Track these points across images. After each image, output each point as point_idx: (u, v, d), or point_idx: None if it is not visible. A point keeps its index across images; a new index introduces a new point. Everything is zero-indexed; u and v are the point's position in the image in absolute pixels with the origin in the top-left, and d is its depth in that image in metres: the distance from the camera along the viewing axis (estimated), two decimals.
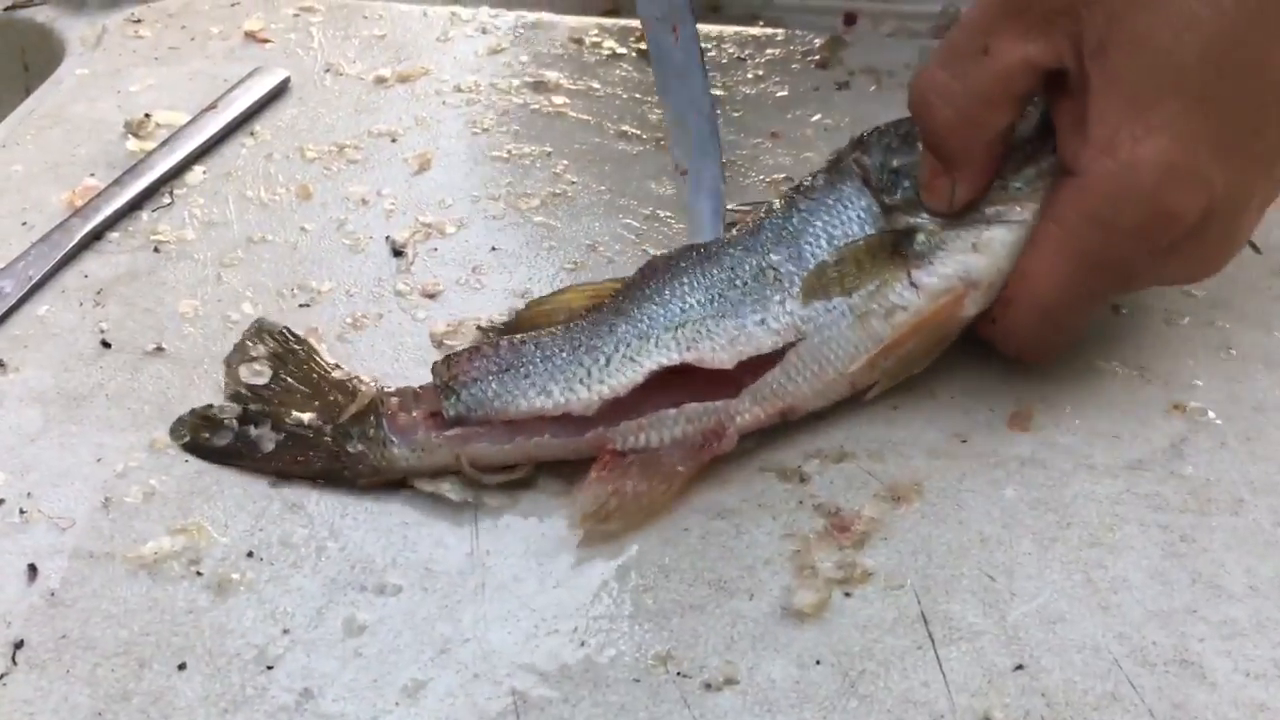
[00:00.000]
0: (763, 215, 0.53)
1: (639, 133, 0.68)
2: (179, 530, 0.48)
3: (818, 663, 0.43)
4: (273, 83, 0.71)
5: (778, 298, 0.50)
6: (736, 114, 0.69)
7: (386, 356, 0.55)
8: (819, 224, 0.51)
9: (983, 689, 0.42)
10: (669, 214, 0.62)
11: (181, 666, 0.43)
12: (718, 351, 0.49)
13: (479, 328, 0.55)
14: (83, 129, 0.69)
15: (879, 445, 0.50)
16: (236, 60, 0.74)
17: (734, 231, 0.53)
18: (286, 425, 0.51)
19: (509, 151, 0.67)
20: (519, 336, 0.51)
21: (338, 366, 0.53)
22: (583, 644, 0.44)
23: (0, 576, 0.46)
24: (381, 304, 0.58)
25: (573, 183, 0.65)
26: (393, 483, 0.49)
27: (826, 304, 0.50)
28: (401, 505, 0.49)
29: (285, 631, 0.44)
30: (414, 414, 0.50)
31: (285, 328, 0.55)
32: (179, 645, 0.44)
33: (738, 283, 0.51)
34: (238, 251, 0.61)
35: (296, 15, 0.79)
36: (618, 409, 0.49)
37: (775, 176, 0.65)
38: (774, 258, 0.51)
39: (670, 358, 0.49)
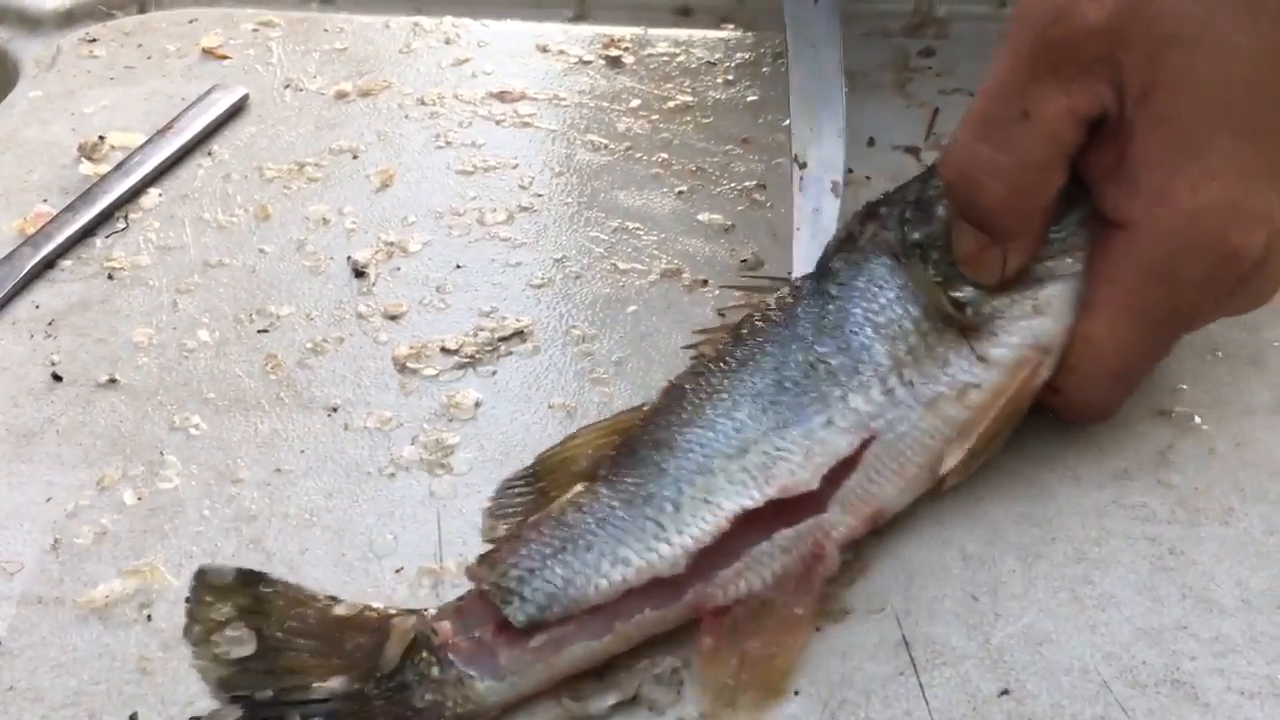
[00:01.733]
0: (772, 310, 0.49)
1: (606, 142, 0.66)
2: (131, 572, 0.46)
3: (796, 693, 0.41)
4: (230, 101, 0.70)
5: (837, 393, 0.45)
6: (707, 120, 0.68)
7: (348, 382, 0.53)
8: (859, 311, 0.47)
9: (967, 716, 0.41)
10: (637, 225, 0.61)
11: (133, 717, 0.41)
12: (797, 472, 0.44)
13: (488, 511, 0.47)
14: (36, 153, 0.67)
15: None
16: (194, 78, 0.72)
17: (742, 331, 0.49)
18: (316, 707, 0.40)
19: (473, 165, 0.65)
20: (553, 508, 0.44)
21: (333, 598, 0.43)
22: None
23: None
24: (342, 327, 0.56)
25: (539, 195, 0.63)
26: None
27: (891, 397, 0.46)
28: None
29: None
30: (476, 634, 0.41)
31: (237, 569, 0.44)
32: (129, 695, 0.42)
33: (788, 384, 0.46)
34: (194, 277, 0.59)
35: (255, 30, 0.77)
36: (705, 557, 0.42)
37: (747, 184, 0.63)
38: (821, 350, 0.46)
39: (751, 496, 0.43)
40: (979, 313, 0.46)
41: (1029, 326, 0.46)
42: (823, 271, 0.49)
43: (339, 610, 0.42)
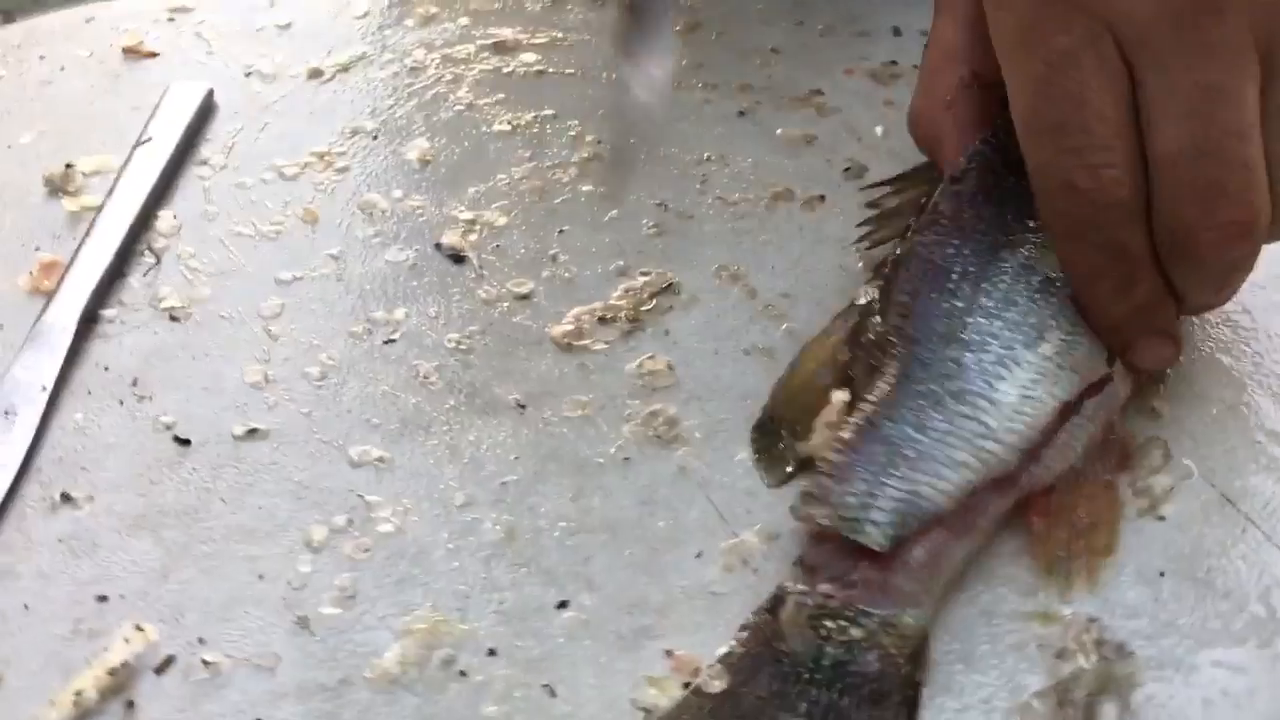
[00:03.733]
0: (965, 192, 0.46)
1: None
2: (409, 631, 0.40)
3: (1161, 574, 0.41)
4: (196, 99, 0.61)
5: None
6: (724, 34, 0.65)
7: (516, 374, 0.48)
8: None
9: None
10: (718, 155, 0.57)
11: None
12: (1093, 357, 0.43)
13: (758, 462, 0.45)
14: None
15: None
16: (132, 83, 0.63)
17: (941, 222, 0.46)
18: None
19: (511, 124, 0.60)
20: (845, 429, 0.42)
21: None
22: None
23: None
24: (475, 318, 0.50)
25: (597, 143, 0.59)
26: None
27: None
28: None
29: None
30: (854, 576, 0.39)
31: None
32: None
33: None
34: (271, 299, 0.52)
35: (171, 20, 0.68)
36: (1033, 449, 0.42)
37: (802, 90, 0.61)
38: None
39: (1064, 388, 0.42)
40: None
41: None
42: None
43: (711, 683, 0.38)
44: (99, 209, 0.55)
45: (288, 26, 0.67)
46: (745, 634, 0.39)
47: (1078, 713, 0.37)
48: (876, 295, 0.46)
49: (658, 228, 0.54)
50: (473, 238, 0.54)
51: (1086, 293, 0.43)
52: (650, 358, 0.49)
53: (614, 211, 0.55)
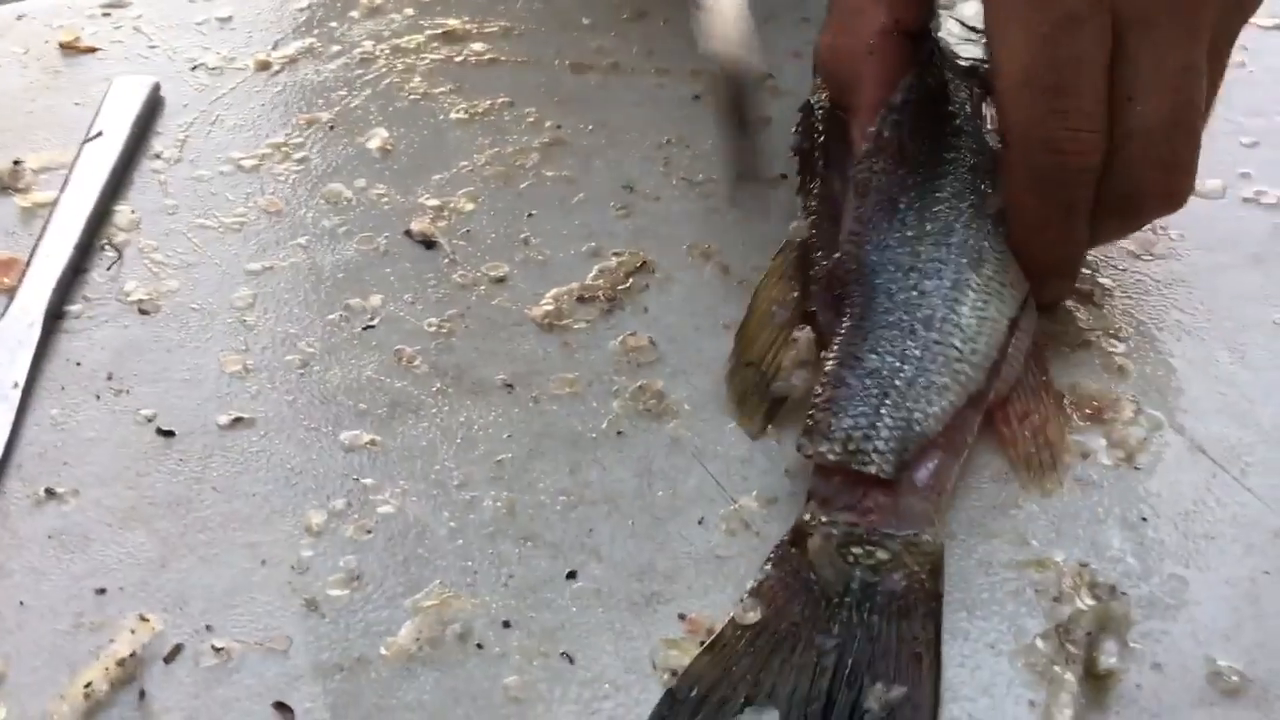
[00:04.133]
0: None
1: (587, 63, 0.63)
2: (422, 608, 0.40)
3: (1144, 519, 0.43)
4: (142, 94, 0.60)
5: (986, 184, 0.47)
6: (665, 23, 0.66)
7: (501, 355, 0.48)
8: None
9: None
10: (676, 138, 0.58)
11: None
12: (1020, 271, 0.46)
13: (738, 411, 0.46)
14: None
15: None
16: (70, 79, 0.62)
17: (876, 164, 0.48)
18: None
19: (469, 112, 0.60)
20: (827, 364, 0.44)
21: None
22: None
23: None
24: (454, 301, 0.51)
25: (559, 128, 0.59)
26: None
27: None
28: None
29: None
30: (868, 504, 0.41)
31: None
32: None
33: (965, 191, 0.47)
34: (242, 289, 0.51)
35: (107, 14, 0.66)
36: (997, 366, 0.44)
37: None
38: (958, 153, 0.47)
39: (1011, 306, 0.45)
40: None
41: None
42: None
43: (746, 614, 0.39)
44: (53, 205, 0.54)
45: (229, 19, 0.66)
46: (772, 568, 0.40)
47: (1080, 650, 0.39)
48: (811, 229, 0.49)
49: (626, 210, 0.55)
50: (442, 224, 0.54)
51: (1026, 237, 0.46)
52: (632, 334, 0.49)
53: (581, 195, 0.56)
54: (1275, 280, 0.51)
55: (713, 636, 0.39)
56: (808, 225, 0.50)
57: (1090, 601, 0.40)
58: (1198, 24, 0.41)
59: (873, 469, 0.41)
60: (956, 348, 0.43)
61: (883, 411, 0.42)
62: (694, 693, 0.37)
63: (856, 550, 0.40)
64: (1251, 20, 0.46)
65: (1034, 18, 0.42)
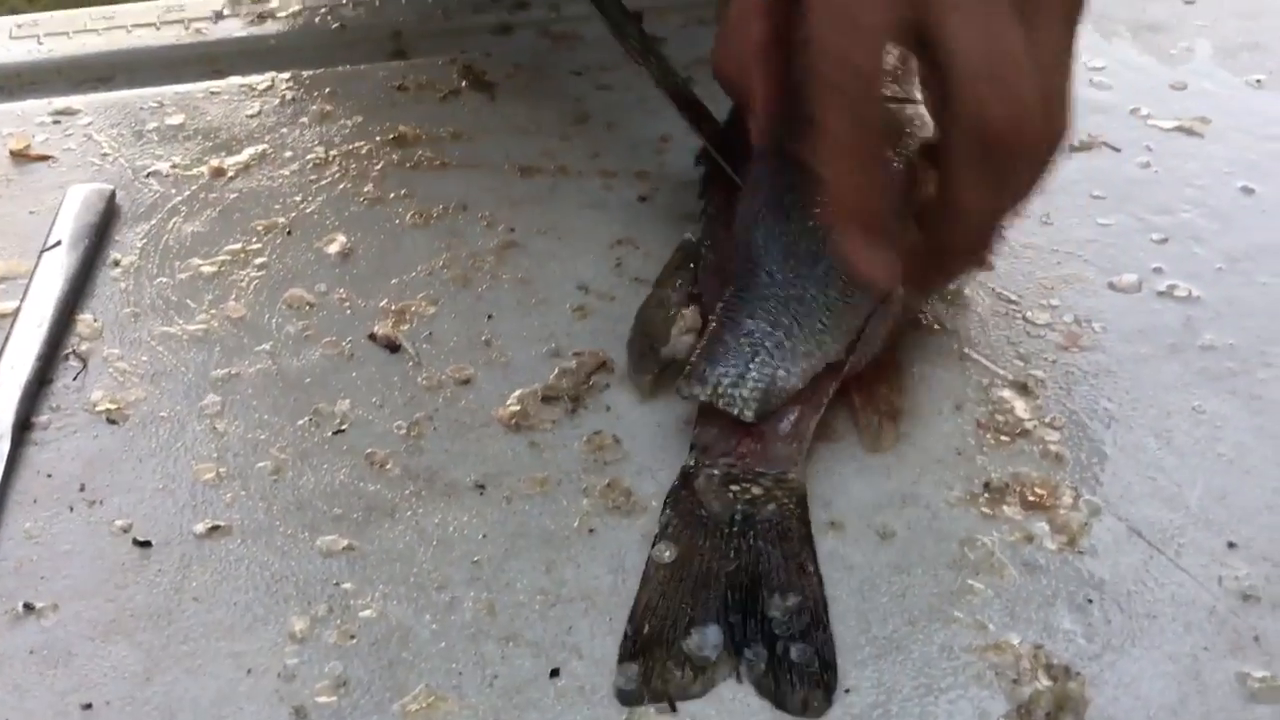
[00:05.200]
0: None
1: (539, 165, 0.65)
2: (410, 712, 0.41)
3: (1089, 601, 0.46)
4: (99, 202, 0.61)
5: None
6: (612, 125, 0.68)
7: (471, 457, 0.50)
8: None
9: (1213, 569, 0.46)
10: (627, 242, 0.61)
11: None
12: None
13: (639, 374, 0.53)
14: None
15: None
16: (23, 187, 0.62)
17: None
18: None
19: (425, 215, 0.62)
20: (712, 328, 0.50)
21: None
22: None
23: None
24: (421, 405, 0.52)
25: (513, 230, 0.61)
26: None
27: None
28: None
29: None
30: (742, 449, 0.48)
31: None
32: None
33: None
34: (210, 396, 0.52)
35: (57, 122, 0.67)
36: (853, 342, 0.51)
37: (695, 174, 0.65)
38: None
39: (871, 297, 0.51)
40: None
41: None
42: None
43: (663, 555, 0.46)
44: (14, 314, 0.55)
45: (180, 126, 0.67)
46: (670, 511, 0.47)
47: None
48: (700, 234, 0.57)
49: (582, 310, 0.57)
50: (405, 327, 0.56)
51: (958, 236, 0.49)
52: (597, 433, 0.51)
53: (538, 296, 0.58)
54: (1192, 369, 0.55)
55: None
56: (702, 228, 0.58)
57: (1047, 682, 0.43)
58: None
59: (736, 411, 0.48)
60: (823, 323, 0.50)
61: (751, 366, 0.49)
62: (646, 630, 0.43)
63: (735, 487, 0.47)
64: (1153, 123, 0.49)
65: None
